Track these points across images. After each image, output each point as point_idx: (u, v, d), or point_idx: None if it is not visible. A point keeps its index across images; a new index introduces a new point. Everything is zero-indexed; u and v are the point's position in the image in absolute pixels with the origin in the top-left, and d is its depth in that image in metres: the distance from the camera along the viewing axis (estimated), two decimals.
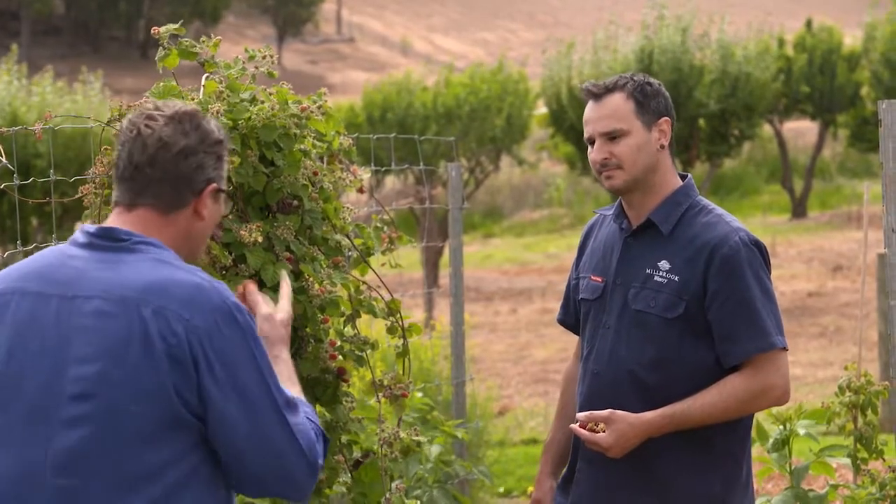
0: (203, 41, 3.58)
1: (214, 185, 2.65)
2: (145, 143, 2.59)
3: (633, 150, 3.49)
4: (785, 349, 3.45)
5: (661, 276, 3.47)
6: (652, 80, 3.56)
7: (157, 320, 2.47)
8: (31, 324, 2.52)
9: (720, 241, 3.44)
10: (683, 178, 3.62)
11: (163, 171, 2.59)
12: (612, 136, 3.49)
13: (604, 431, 3.39)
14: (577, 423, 3.45)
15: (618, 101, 3.50)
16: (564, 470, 3.71)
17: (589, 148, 3.57)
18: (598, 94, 3.52)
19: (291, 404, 2.60)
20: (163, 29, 3.51)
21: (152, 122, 2.60)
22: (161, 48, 3.52)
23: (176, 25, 3.53)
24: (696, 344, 3.45)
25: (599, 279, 3.59)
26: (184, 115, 2.63)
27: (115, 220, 2.62)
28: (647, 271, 3.50)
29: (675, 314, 3.44)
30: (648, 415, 3.40)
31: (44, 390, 2.49)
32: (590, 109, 3.54)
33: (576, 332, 3.77)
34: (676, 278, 3.45)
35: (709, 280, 3.43)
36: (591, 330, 3.59)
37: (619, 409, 3.42)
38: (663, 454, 3.46)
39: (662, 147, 3.53)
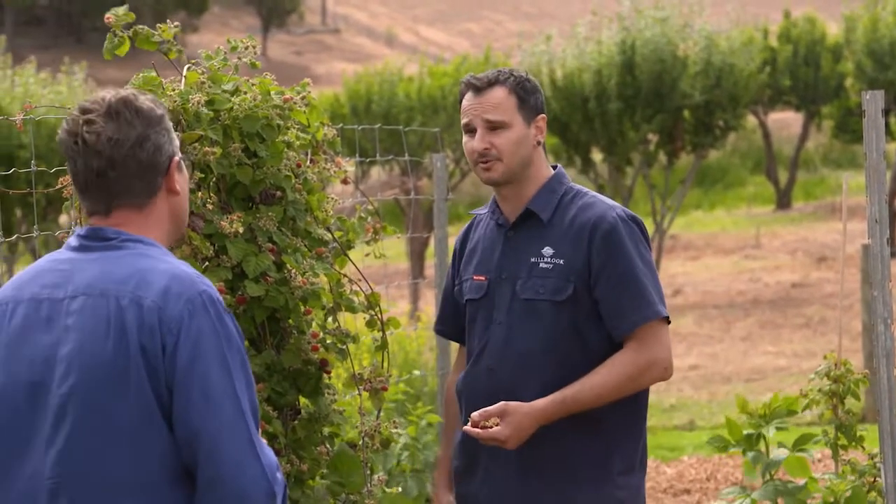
0: (160, 28, 3.53)
1: (176, 157, 2.61)
2: (96, 149, 2.52)
3: (513, 143, 3.55)
4: (667, 320, 3.51)
5: (546, 262, 3.52)
6: (530, 76, 3.64)
7: (133, 310, 2.45)
8: (24, 330, 2.52)
9: (599, 218, 3.51)
10: (554, 168, 3.68)
11: (126, 168, 2.53)
12: (494, 127, 3.54)
13: (497, 426, 3.39)
14: (470, 423, 3.42)
15: (501, 94, 3.56)
16: (456, 463, 3.68)
17: (465, 137, 3.60)
18: (481, 88, 3.57)
19: (257, 421, 2.48)
20: (115, 16, 3.44)
21: (93, 126, 2.52)
22: (112, 35, 3.46)
23: (124, 9, 3.46)
24: (587, 326, 3.49)
25: (482, 277, 3.61)
26: (119, 106, 2.54)
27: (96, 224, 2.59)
28: (532, 260, 3.54)
29: (565, 296, 3.48)
30: (540, 402, 3.41)
31: (40, 394, 2.48)
32: (470, 100, 3.59)
33: (455, 339, 3.78)
34: (561, 261, 3.50)
35: (592, 257, 3.48)
36: (482, 328, 3.59)
37: (514, 401, 3.43)
38: (562, 433, 3.47)
39: (539, 143, 3.61)
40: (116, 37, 3.46)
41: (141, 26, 3.50)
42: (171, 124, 2.63)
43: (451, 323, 3.76)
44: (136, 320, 2.45)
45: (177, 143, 2.64)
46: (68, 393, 2.46)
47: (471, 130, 3.58)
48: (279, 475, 2.47)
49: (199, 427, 2.42)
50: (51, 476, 2.46)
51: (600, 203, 3.56)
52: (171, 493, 2.46)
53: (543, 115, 3.62)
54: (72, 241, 2.60)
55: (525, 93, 3.57)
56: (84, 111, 2.54)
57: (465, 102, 3.60)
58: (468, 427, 3.43)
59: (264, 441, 2.50)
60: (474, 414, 3.43)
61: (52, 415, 2.46)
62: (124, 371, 2.44)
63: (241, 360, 2.50)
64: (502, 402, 3.41)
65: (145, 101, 2.58)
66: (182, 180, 2.64)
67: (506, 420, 3.39)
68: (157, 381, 2.44)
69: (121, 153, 2.53)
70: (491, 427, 3.38)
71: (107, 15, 3.43)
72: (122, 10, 3.45)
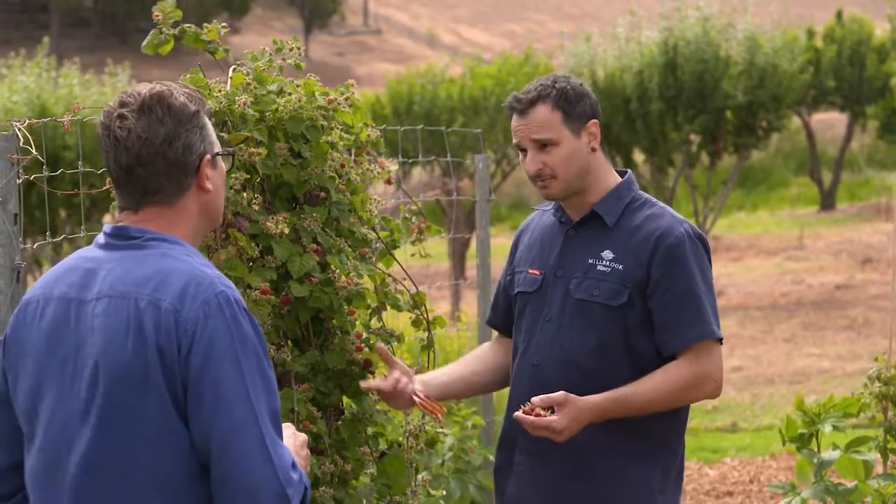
0: (206, 28, 3.55)
1: (207, 156, 2.59)
2: (125, 145, 2.52)
3: (565, 159, 3.51)
4: (721, 341, 3.49)
5: (605, 265, 3.49)
6: (573, 81, 3.56)
7: (150, 312, 2.46)
8: (55, 330, 2.55)
9: (665, 231, 3.48)
10: (623, 174, 3.65)
11: (154, 166, 2.53)
12: (543, 146, 3.51)
13: (550, 415, 3.32)
14: (522, 411, 3.37)
15: (544, 112, 3.50)
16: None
17: (521, 156, 3.57)
18: (523, 110, 3.51)
19: (275, 423, 2.48)
20: (162, 12, 3.45)
21: (124, 122, 2.53)
22: (158, 32, 3.48)
23: (171, 3, 3.46)
24: (637, 333, 3.46)
25: (537, 272, 3.60)
26: (152, 102, 2.53)
27: (124, 221, 2.60)
28: (590, 261, 3.51)
29: (620, 301, 3.45)
30: (595, 398, 3.39)
31: (68, 394, 2.51)
32: (517, 121, 3.54)
33: (506, 333, 3.74)
34: (621, 266, 3.47)
35: (653, 268, 3.45)
36: (530, 322, 3.58)
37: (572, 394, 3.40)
38: (606, 445, 3.46)
39: (593, 149, 3.56)
40: (163, 34, 3.47)
41: (189, 24, 3.51)
42: (206, 119, 2.60)
43: (503, 316, 3.74)
44: (154, 322, 2.46)
45: (212, 138, 2.61)
46: (93, 394, 2.48)
47: (522, 150, 3.55)
48: (295, 475, 2.46)
49: (211, 427, 2.44)
50: (76, 475, 2.48)
51: (668, 216, 3.53)
52: (194, 490, 2.47)
53: (595, 120, 3.56)
54: (100, 238, 2.61)
55: (569, 104, 3.51)
56: (120, 104, 2.54)
57: (513, 123, 3.57)
58: (520, 413, 3.36)
59: (281, 441, 2.49)
60: (535, 399, 3.36)
61: (80, 414, 2.49)
62: (143, 372, 2.45)
63: (258, 361, 2.49)
64: (563, 392, 3.36)
65: (180, 95, 2.56)
66: (216, 177, 2.62)
67: (563, 410, 3.34)
68: (173, 381, 2.45)
69: (149, 151, 2.52)
70: (545, 416, 3.32)
71: (155, 11, 3.45)
72: (169, 3, 3.46)
